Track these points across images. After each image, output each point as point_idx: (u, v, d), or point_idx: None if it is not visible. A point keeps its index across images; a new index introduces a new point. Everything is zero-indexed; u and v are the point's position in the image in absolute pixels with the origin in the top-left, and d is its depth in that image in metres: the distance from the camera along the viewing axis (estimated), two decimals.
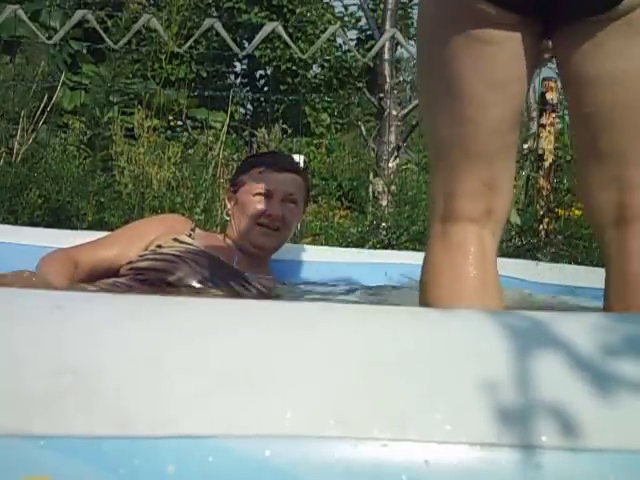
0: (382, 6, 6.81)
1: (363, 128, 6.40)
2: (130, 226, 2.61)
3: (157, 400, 0.80)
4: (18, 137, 4.22)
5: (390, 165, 5.68)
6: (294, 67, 13.78)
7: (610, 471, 0.78)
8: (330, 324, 0.91)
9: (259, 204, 2.39)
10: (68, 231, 2.91)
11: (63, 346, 0.85)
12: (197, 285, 2.23)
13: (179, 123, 8.34)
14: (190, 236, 2.41)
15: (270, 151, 2.64)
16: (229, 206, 2.50)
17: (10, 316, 0.90)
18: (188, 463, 0.77)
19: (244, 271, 2.34)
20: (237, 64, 15.34)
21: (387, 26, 6.21)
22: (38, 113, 4.40)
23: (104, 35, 4.57)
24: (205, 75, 13.46)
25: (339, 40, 13.51)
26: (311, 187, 2.70)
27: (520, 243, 3.82)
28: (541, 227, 3.91)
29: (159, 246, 2.34)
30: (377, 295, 2.42)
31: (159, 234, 2.40)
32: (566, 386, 0.82)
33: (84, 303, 0.97)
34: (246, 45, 11.52)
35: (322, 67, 14.52)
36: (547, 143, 4.08)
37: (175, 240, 2.36)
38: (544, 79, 4.18)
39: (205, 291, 2.21)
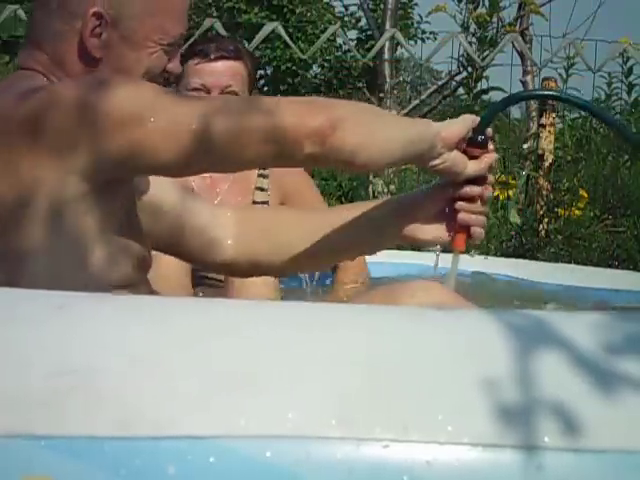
0: (382, 6, 6.80)
1: None
2: None
3: (158, 400, 0.80)
4: None
5: None
6: (294, 67, 13.77)
7: (612, 472, 0.78)
8: (331, 324, 0.91)
9: None
10: None
11: (64, 346, 0.85)
12: None
13: None
14: None
15: (208, 37, 2.43)
16: None
17: (11, 316, 0.90)
18: (189, 463, 0.77)
19: None
20: None
21: (387, 26, 6.19)
22: None
23: None
24: None
25: (339, 40, 13.48)
26: (256, 68, 2.46)
27: (520, 243, 3.81)
28: (541, 227, 3.90)
29: None
30: None
31: None
32: (568, 386, 0.82)
33: (86, 303, 0.96)
34: (246, 45, 11.51)
35: (322, 67, 14.51)
36: (547, 143, 4.07)
37: None
38: (544, 79, 4.17)
39: None
